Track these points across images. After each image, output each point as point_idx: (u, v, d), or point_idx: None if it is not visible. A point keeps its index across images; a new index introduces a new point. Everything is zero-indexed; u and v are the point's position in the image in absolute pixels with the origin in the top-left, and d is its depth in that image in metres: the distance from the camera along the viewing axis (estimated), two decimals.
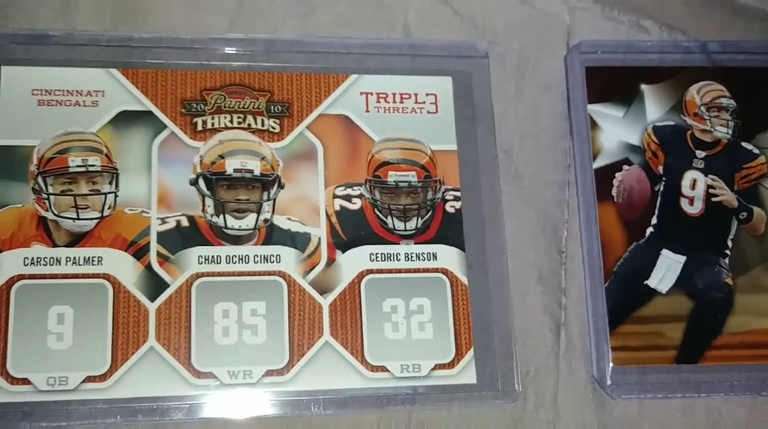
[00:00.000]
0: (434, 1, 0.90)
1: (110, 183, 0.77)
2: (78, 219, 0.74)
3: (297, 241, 0.82)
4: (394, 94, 0.89)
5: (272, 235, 0.81)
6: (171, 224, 0.79)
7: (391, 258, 0.84)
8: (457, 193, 0.87)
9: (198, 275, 0.78)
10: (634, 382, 0.84)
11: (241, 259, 0.79)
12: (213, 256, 0.78)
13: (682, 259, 0.88)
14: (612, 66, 0.92)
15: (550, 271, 0.88)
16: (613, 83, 0.92)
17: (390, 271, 0.84)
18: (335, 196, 0.83)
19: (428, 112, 0.90)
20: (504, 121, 0.90)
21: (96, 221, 0.75)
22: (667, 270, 0.87)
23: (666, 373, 0.84)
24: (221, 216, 0.78)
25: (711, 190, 0.89)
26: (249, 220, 0.80)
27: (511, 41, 0.93)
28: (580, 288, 0.85)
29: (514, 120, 0.91)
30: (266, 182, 0.82)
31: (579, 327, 0.86)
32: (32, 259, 0.71)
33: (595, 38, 0.92)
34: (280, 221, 0.81)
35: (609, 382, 0.83)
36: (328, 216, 0.83)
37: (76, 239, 0.74)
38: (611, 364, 0.84)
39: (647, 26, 0.96)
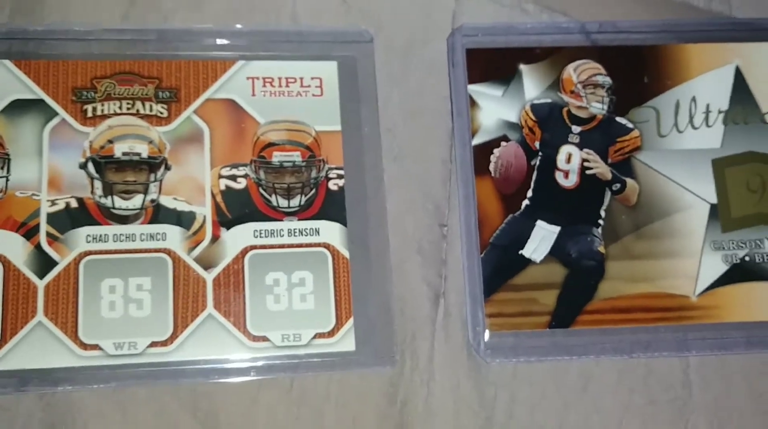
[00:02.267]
0: None
1: (2, 168, 0.82)
2: None
3: (182, 219, 0.84)
4: (280, 79, 0.91)
5: (158, 214, 0.83)
6: (60, 206, 0.81)
7: (275, 234, 0.87)
8: (341, 172, 0.89)
9: (86, 253, 0.81)
10: (508, 346, 0.86)
11: (128, 237, 0.82)
12: (101, 235, 0.81)
13: (557, 229, 0.91)
14: (492, 47, 0.94)
15: (430, 243, 0.90)
16: (493, 64, 0.94)
17: (273, 246, 0.86)
18: (221, 177, 0.85)
19: (313, 95, 0.92)
20: (389, 102, 0.93)
21: None
22: (541, 240, 0.90)
23: (539, 338, 0.87)
24: (109, 197, 0.82)
25: (586, 164, 0.90)
26: (136, 201, 0.82)
27: (398, 26, 0.95)
28: (459, 259, 0.89)
29: (398, 101, 0.93)
30: (153, 164, 0.85)
31: (457, 296, 0.89)
32: None
33: (478, 21, 0.96)
34: (166, 201, 0.83)
35: (483, 346, 0.86)
36: (213, 195, 0.84)
37: None
38: (486, 330, 0.86)
39: (529, 9, 0.98)
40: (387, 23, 0.95)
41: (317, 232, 0.89)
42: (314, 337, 0.85)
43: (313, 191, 0.90)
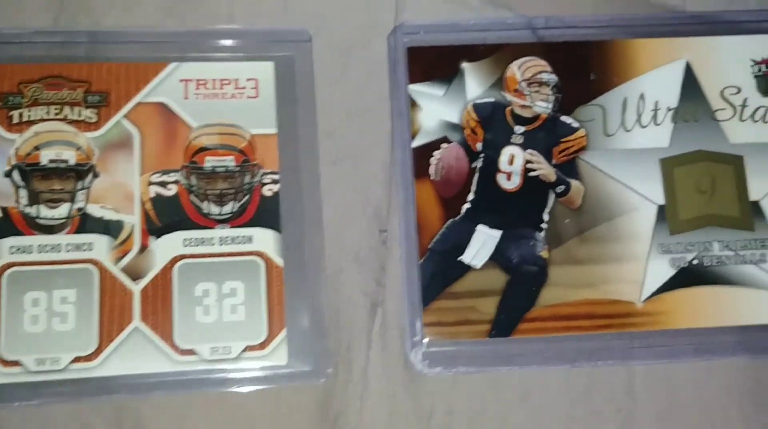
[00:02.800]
0: None
1: None
2: None
3: (110, 228, 0.82)
4: (214, 81, 0.88)
5: (85, 223, 0.82)
6: None
7: (205, 243, 0.84)
8: (276, 177, 0.87)
9: (9, 265, 0.78)
10: (446, 356, 0.83)
11: (53, 248, 0.79)
12: (25, 246, 0.79)
13: (498, 233, 0.87)
14: (434, 45, 0.91)
15: (370, 250, 0.87)
16: (435, 62, 0.90)
17: (204, 255, 0.83)
18: (150, 183, 0.83)
19: (249, 97, 0.89)
20: (328, 103, 0.90)
21: None
22: (482, 245, 0.87)
23: (479, 347, 0.84)
24: (35, 206, 0.79)
25: (529, 165, 0.88)
26: (62, 210, 0.80)
27: (338, 24, 0.92)
28: (398, 266, 0.85)
29: (338, 102, 0.90)
30: (81, 172, 0.83)
31: (395, 304, 0.85)
32: None
33: (422, 18, 0.92)
34: (93, 210, 0.81)
35: (421, 357, 0.83)
36: (142, 203, 0.82)
37: None
38: (423, 339, 0.83)
39: (474, 5, 0.95)
40: (327, 22, 0.92)
41: (250, 239, 0.86)
42: (245, 349, 0.83)
43: (247, 197, 0.87)
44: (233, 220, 0.86)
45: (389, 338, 0.85)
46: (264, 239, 0.86)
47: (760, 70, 0.93)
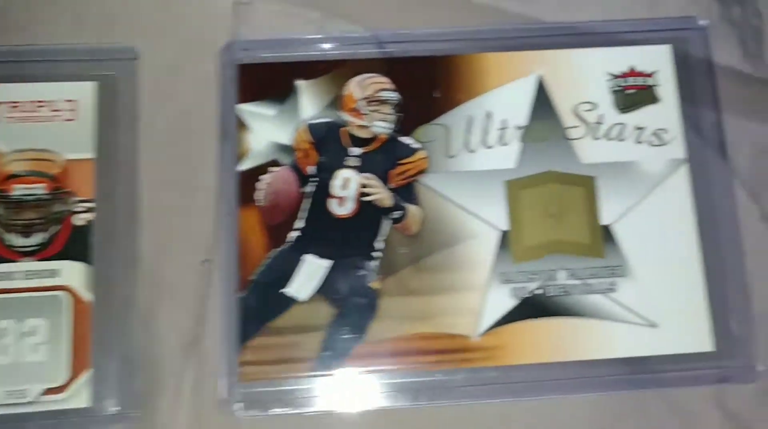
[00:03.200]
0: (82, 5, 0.89)
1: None
2: None
3: None
4: (28, 103, 0.83)
5: None
6: None
7: (6, 277, 0.79)
8: (91, 205, 0.81)
9: None
10: (264, 398, 0.78)
11: None
12: None
13: (327, 263, 0.82)
14: (268, 62, 0.86)
15: (189, 284, 0.82)
16: (268, 81, 0.85)
17: (5, 291, 0.78)
18: None
19: (65, 119, 0.84)
20: (153, 125, 0.84)
21: None
22: (309, 276, 0.81)
23: (300, 387, 0.80)
24: None
25: (364, 190, 0.83)
26: None
27: (169, 41, 0.87)
28: (219, 300, 0.79)
29: (163, 125, 0.84)
30: None
31: (213, 342, 0.79)
32: None
33: (260, 34, 0.87)
34: None
35: (236, 399, 0.77)
36: None
37: None
38: (239, 380, 0.77)
39: (314, 18, 0.90)
40: (157, 38, 0.87)
41: (56, 273, 0.80)
42: (44, 392, 0.77)
43: (57, 227, 0.81)
44: (41, 253, 0.80)
45: (204, 379, 0.79)
46: (72, 272, 0.80)
47: (617, 85, 0.88)
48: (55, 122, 0.84)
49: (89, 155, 0.83)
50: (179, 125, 0.85)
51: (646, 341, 0.80)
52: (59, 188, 0.82)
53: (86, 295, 0.79)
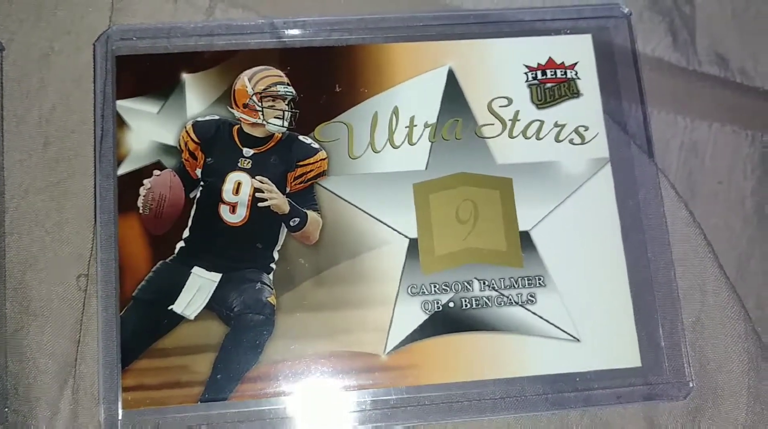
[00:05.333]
0: None
1: None
2: None
3: None
4: None
5: None
6: None
7: None
8: None
9: None
10: (149, 426, 0.77)
11: None
12: None
13: (217, 276, 0.81)
14: (150, 53, 0.84)
15: (63, 300, 0.81)
16: (150, 74, 0.83)
17: None
18: None
19: None
20: (23, 123, 0.83)
21: None
22: (197, 291, 0.80)
23: (188, 414, 0.78)
24: None
25: (258, 194, 0.82)
26: None
27: (38, 31, 0.86)
28: (97, 319, 0.77)
29: (33, 123, 0.84)
30: None
31: (91, 366, 0.78)
32: None
33: (141, 21, 0.85)
34: None
35: (119, 428, 0.75)
36: None
37: None
38: (121, 408, 0.76)
39: (202, 5, 0.87)
40: (24, 27, 0.86)
41: None
42: None
43: None
44: None
45: (81, 407, 0.78)
46: None
47: (534, 77, 0.87)
48: None
49: None
50: (51, 123, 0.83)
51: (569, 357, 0.80)
52: None
53: None
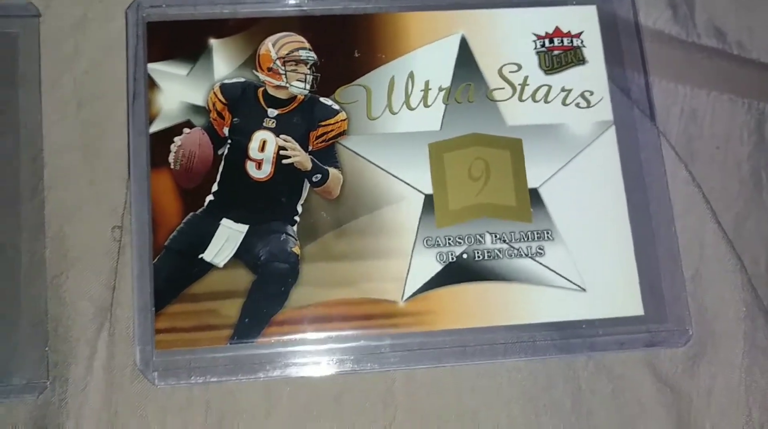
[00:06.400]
0: None
1: None
2: None
3: None
4: None
5: None
6: None
7: None
8: None
9: None
10: (181, 366, 0.83)
11: None
12: None
13: (244, 228, 0.88)
14: (178, 20, 0.91)
15: (99, 250, 0.88)
16: (179, 39, 0.90)
17: None
18: None
19: None
20: (57, 87, 0.90)
21: None
22: (226, 241, 0.87)
23: (218, 354, 0.84)
24: None
25: (282, 152, 0.89)
26: None
27: None
28: (132, 266, 0.84)
29: (69, 86, 0.90)
30: None
31: (126, 310, 0.85)
32: None
33: None
34: None
35: (152, 368, 0.82)
36: None
37: None
38: (155, 349, 0.82)
39: None
40: None
41: None
42: None
43: None
44: None
45: (117, 348, 0.85)
46: None
47: (542, 45, 0.95)
48: None
49: None
50: (85, 86, 0.90)
51: (575, 305, 0.87)
52: None
53: None
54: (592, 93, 0.94)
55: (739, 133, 1.00)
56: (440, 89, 0.93)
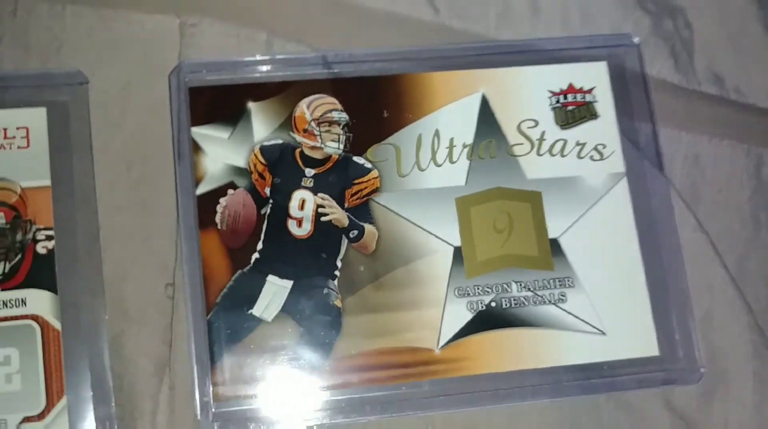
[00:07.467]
0: (25, 30, 0.96)
1: None
2: None
3: None
4: None
5: None
6: None
7: None
8: (51, 232, 0.92)
9: None
10: (238, 416, 0.92)
11: None
12: None
13: (289, 284, 0.95)
14: (218, 85, 0.98)
15: (155, 307, 0.94)
16: (219, 103, 0.97)
17: None
18: None
19: (19, 147, 0.94)
20: (107, 151, 0.96)
21: None
22: (273, 297, 0.94)
23: (273, 404, 0.93)
24: None
25: (320, 210, 0.91)
26: None
27: (116, 65, 0.99)
28: (185, 323, 0.85)
29: (117, 149, 0.96)
30: None
31: (183, 364, 0.91)
32: None
33: (206, 55, 1.00)
34: None
35: (212, 418, 0.90)
36: None
37: None
38: (213, 401, 0.90)
39: (261, 39, 1.03)
40: (104, 62, 0.98)
41: (24, 302, 0.91)
42: (22, 421, 0.87)
43: (19, 256, 0.91)
44: (5, 283, 0.90)
45: (178, 401, 0.91)
46: (39, 301, 0.90)
47: (557, 101, 1.03)
48: (9, 150, 0.94)
49: (46, 182, 0.93)
50: (133, 149, 0.96)
51: (596, 348, 0.92)
52: (18, 217, 0.92)
53: (55, 323, 0.90)
54: (604, 146, 1.02)
55: (739, 176, 1.08)
56: (464, 146, 0.98)
